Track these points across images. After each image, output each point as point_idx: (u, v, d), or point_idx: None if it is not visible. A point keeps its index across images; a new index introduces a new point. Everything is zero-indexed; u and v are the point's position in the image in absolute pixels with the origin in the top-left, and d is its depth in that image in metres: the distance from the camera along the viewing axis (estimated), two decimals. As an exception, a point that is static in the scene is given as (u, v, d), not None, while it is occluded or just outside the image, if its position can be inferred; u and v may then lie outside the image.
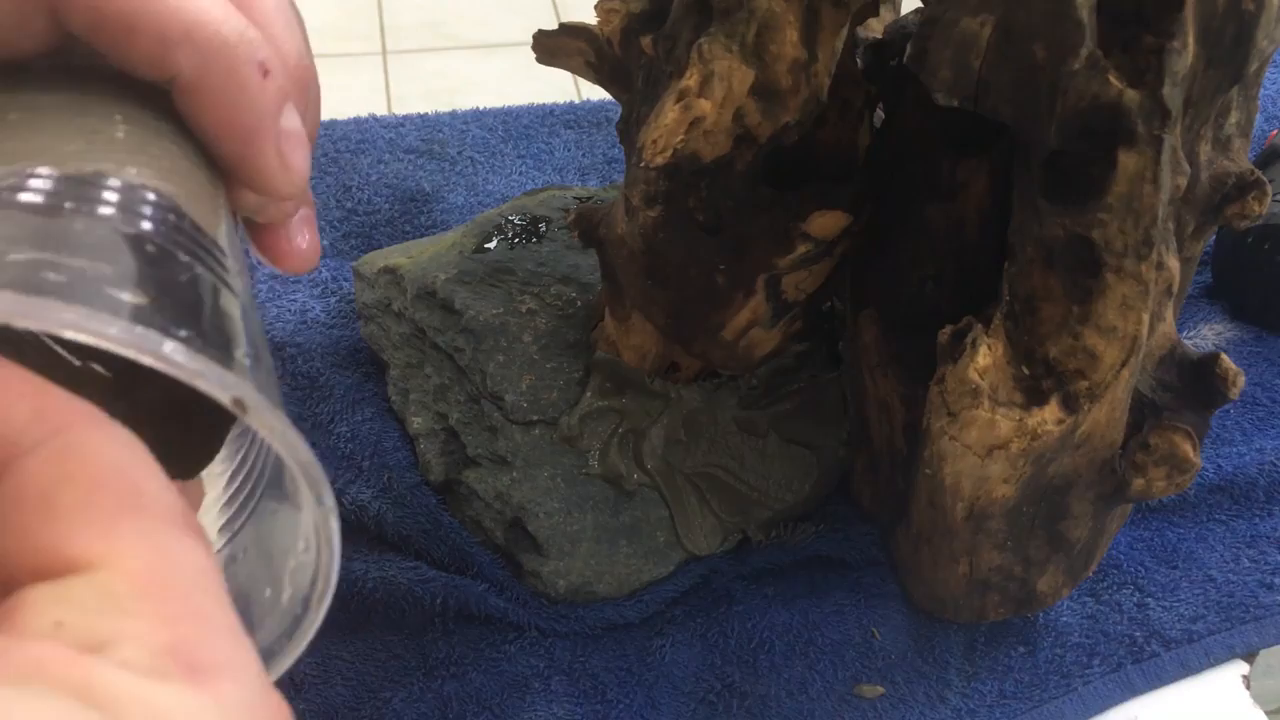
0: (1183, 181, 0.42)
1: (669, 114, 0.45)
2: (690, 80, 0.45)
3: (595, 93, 0.67)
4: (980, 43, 0.40)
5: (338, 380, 0.66)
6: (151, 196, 0.24)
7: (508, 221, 0.69)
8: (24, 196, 0.22)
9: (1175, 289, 0.45)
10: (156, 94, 0.26)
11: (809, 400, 0.61)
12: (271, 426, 0.22)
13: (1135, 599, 0.59)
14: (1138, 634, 0.57)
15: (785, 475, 0.60)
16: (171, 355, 0.20)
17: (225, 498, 0.32)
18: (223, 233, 0.26)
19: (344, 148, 0.81)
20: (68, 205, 0.22)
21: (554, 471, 0.59)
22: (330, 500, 0.24)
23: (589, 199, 0.70)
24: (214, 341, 0.22)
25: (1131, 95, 0.39)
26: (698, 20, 0.46)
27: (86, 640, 0.16)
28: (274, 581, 0.28)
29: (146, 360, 0.20)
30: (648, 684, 0.55)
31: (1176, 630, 0.58)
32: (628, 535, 0.58)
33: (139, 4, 0.23)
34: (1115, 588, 0.59)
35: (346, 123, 0.84)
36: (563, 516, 0.57)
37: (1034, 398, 0.44)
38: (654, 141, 0.46)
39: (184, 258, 0.23)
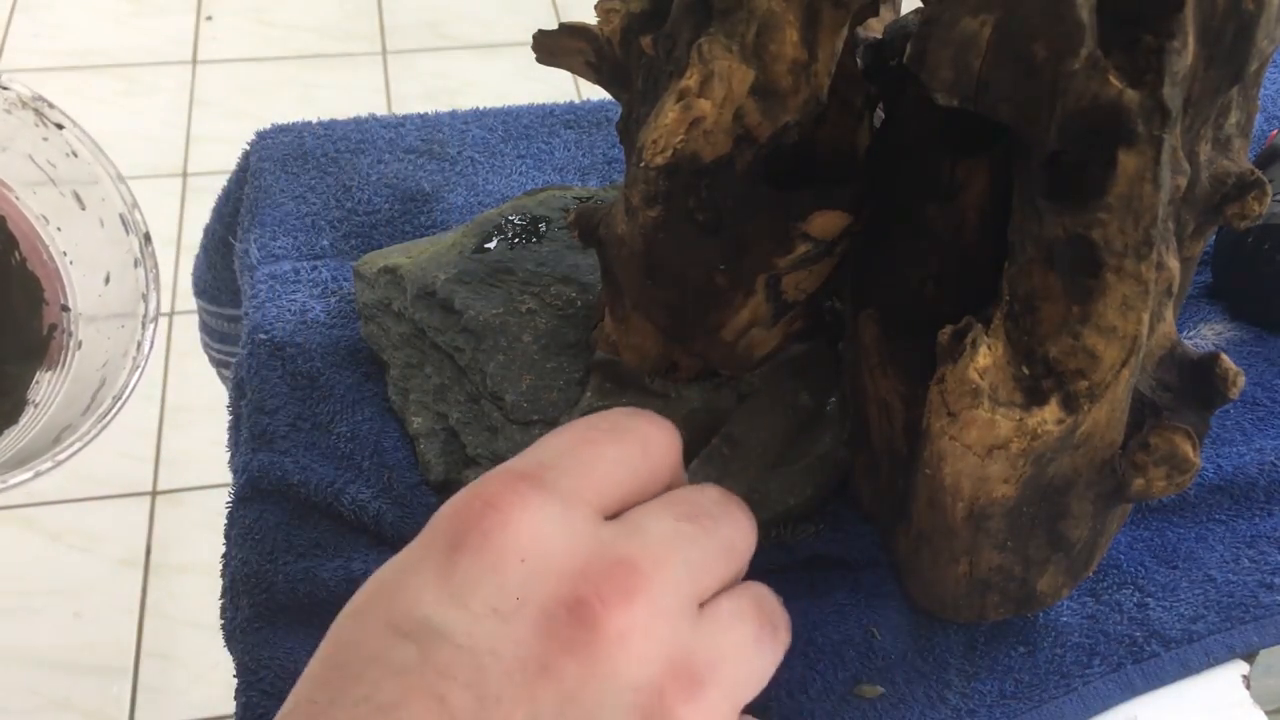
0: (1182, 181, 0.42)
1: (669, 114, 0.45)
2: (690, 80, 0.45)
3: (595, 93, 0.67)
4: (980, 42, 0.40)
5: (338, 380, 0.66)
6: None
7: (508, 221, 0.69)
8: None
9: (1175, 289, 0.45)
10: None
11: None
12: None
13: (1135, 599, 0.59)
14: (1138, 634, 0.57)
15: (786, 476, 0.60)
16: None
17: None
18: None
19: (344, 148, 0.81)
20: None
21: (554, 471, 0.59)
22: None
23: (589, 199, 0.70)
24: None
25: (1131, 95, 0.39)
26: (697, 20, 0.46)
27: None
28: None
29: None
30: (648, 684, 0.55)
31: (1176, 630, 0.58)
32: (628, 535, 0.58)
33: None
34: (1115, 588, 0.59)
35: (346, 123, 0.84)
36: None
37: (1034, 398, 0.44)
38: (654, 141, 0.46)
39: None
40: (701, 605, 0.31)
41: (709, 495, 0.35)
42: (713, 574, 0.32)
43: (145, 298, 0.46)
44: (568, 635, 0.27)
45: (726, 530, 0.34)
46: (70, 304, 0.47)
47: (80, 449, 0.42)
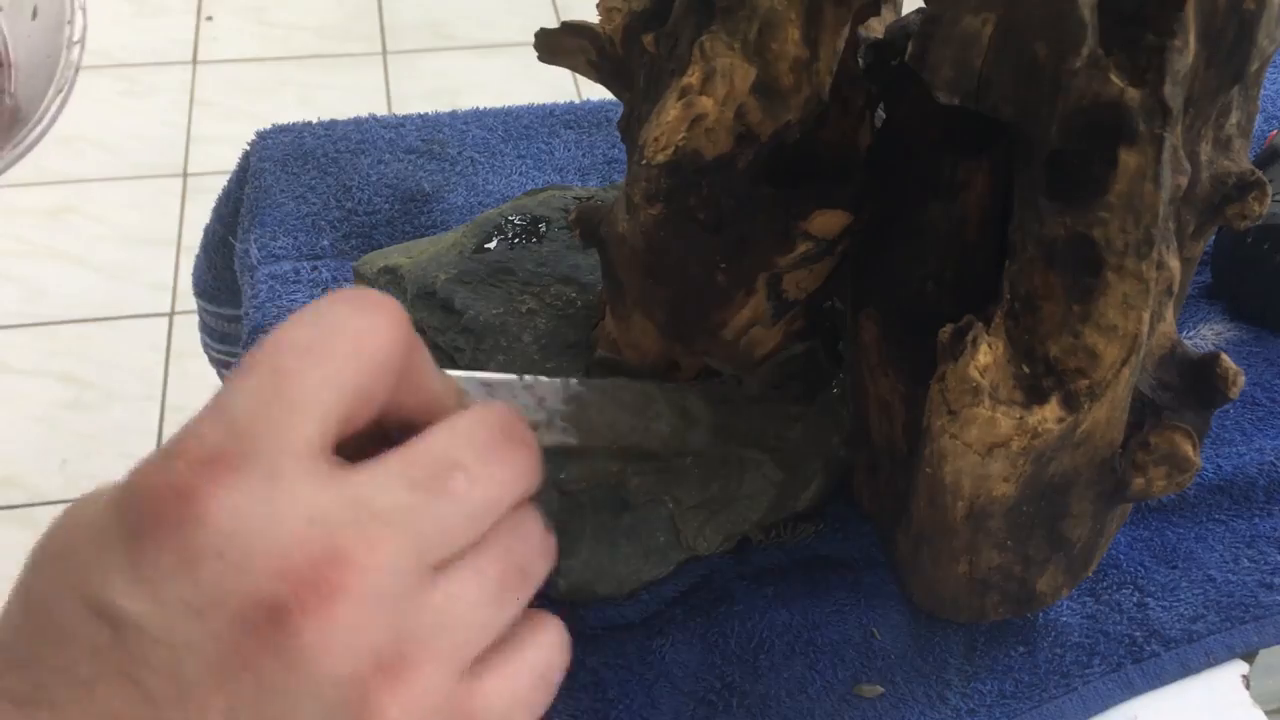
0: (1183, 181, 0.42)
1: (671, 111, 0.45)
2: (692, 78, 0.45)
3: (596, 93, 0.68)
4: (981, 41, 0.40)
5: (338, 380, 0.66)
6: None
7: (508, 221, 0.69)
8: None
9: (1176, 289, 0.45)
10: None
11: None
12: None
13: (1135, 599, 0.59)
14: (1138, 634, 0.57)
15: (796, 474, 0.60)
16: None
17: None
18: None
19: (344, 148, 0.81)
20: None
21: (554, 471, 0.59)
22: None
23: (589, 199, 0.70)
24: None
25: (1133, 94, 0.39)
26: (700, 18, 0.46)
27: None
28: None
29: None
30: (648, 684, 0.55)
31: (1176, 630, 0.58)
32: (627, 535, 0.58)
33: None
34: (1115, 588, 0.59)
35: (346, 123, 0.84)
36: (563, 516, 0.57)
37: (1034, 396, 0.44)
38: (656, 139, 0.46)
39: None
40: (438, 567, 0.29)
41: (468, 437, 0.30)
42: (451, 540, 0.29)
43: (70, 22, 0.40)
44: (265, 635, 0.26)
45: (483, 485, 0.30)
46: (8, 58, 0.42)
47: None
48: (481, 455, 0.30)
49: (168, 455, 0.27)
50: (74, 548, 0.28)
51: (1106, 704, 0.56)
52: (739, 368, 0.59)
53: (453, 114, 0.85)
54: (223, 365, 0.93)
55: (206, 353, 0.95)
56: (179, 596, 0.26)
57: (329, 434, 0.28)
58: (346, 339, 0.29)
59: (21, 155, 0.38)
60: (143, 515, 0.27)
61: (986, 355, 0.44)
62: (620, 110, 0.55)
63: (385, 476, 0.29)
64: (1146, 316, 0.42)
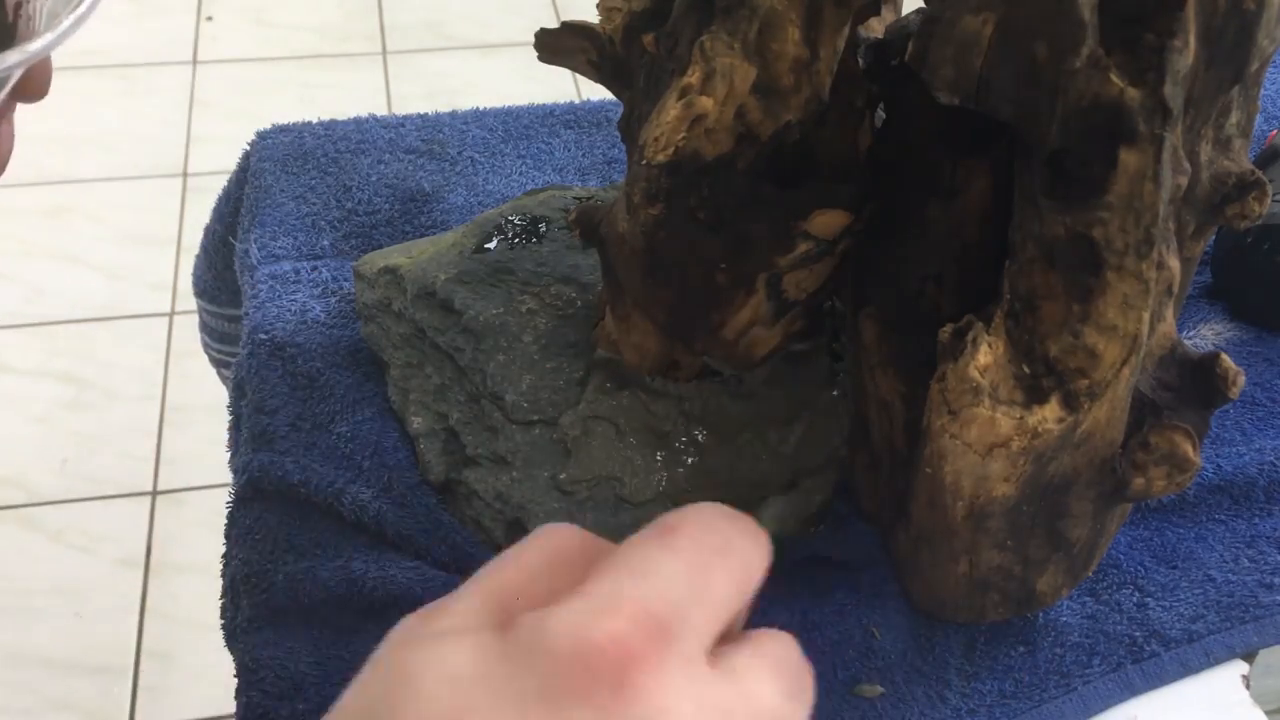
0: (1183, 181, 0.42)
1: (671, 111, 0.45)
2: (692, 78, 0.45)
3: (595, 93, 0.68)
4: (981, 41, 0.40)
5: (338, 380, 0.66)
6: None
7: (508, 221, 0.69)
8: None
9: (1176, 289, 0.45)
10: None
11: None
12: None
13: (1135, 599, 0.59)
14: (1138, 634, 0.57)
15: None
16: None
17: None
18: None
19: (344, 148, 0.81)
20: None
21: (554, 471, 0.59)
22: None
23: (589, 199, 0.70)
24: None
25: (1133, 94, 0.39)
26: (700, 18, 0.46)
27: None
28: None
29: None
30: (648, 683, 0.55)
31: (1176, 630, 0.57)
32: (627, 535, 0.58)
33: None
34: (1115, 587, 0.59)
35: (346, 123, 0.84)
36: (563, 516, 0.57)
37: (1034, 396, 0.44)
38: (656, 139, 0.46)
39: None
40: None
41: (790, 649, 0.31)
42: None
43: None
44: None
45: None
46: None
47: (68, 31, 0.35)
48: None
49: (598, 610, 0.26)
50: (471, 706, 0.25)
51: (1106, 704, 0.56)
52: (739, 368, 0.59)
53: (453, 114, 0.85)
54: (222, 365, 0.93)
55: (206, 353, 0.95)
56: None
57: (714, 638, 0.28)
58: (743, 561, 0.30)
59: (29, 61, 0.36)
60: (576, 667, 0.25)
61: (986, 355, 0.44)
62: (620, 110, 0.55)
63: (765, 683, 0.29)
64: (1146, 316, 0.42)
